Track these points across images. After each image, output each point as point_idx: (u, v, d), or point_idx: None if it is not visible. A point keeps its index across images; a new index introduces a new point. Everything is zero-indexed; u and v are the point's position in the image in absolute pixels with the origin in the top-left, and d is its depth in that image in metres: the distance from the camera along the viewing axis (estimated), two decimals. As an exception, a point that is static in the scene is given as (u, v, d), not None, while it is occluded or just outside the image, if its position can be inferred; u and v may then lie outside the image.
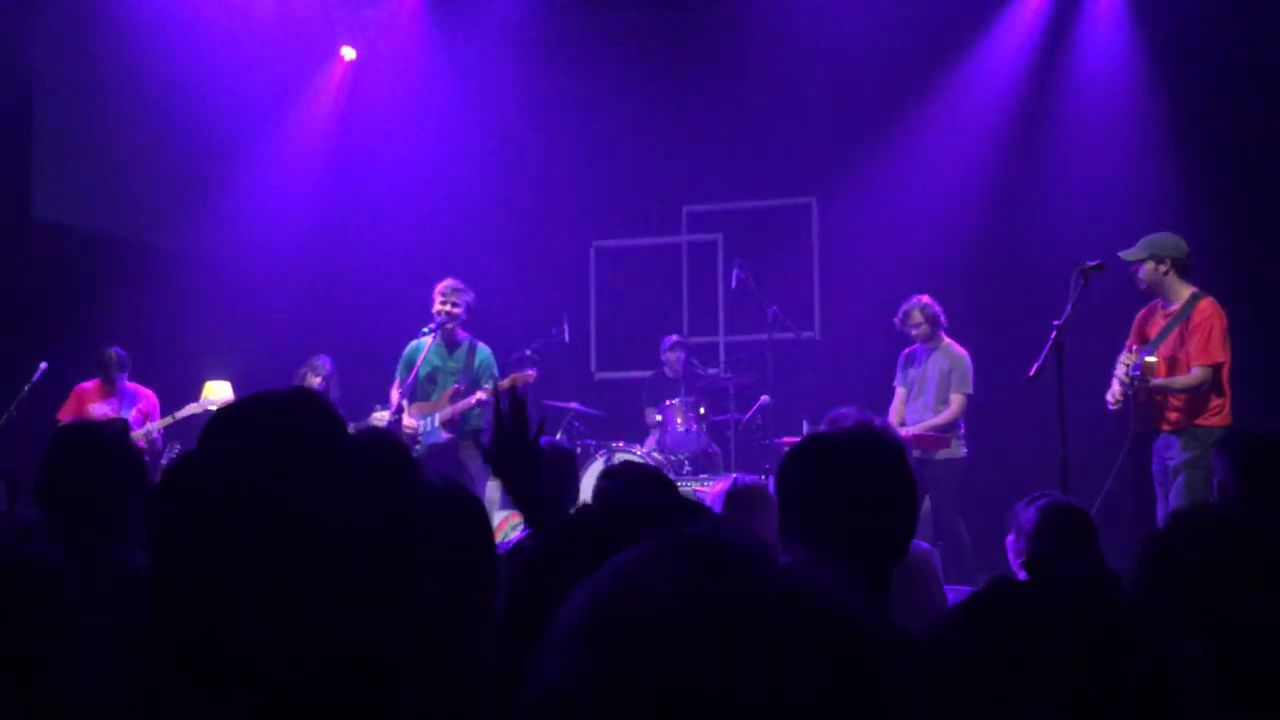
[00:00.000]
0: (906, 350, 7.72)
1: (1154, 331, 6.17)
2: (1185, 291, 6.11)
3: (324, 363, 8.21)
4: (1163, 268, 6.10)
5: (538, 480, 2.33)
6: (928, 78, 9.36)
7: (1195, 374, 5.94)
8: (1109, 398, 6.19)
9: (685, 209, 10.38)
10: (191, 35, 9.34)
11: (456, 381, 7.43)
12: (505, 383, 7.41)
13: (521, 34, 10.25)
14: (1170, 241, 6.15)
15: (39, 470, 2.82)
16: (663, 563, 0.76)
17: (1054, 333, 5.70)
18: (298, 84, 10.30)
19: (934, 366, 7.51)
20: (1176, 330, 6.04)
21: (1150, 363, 5.98)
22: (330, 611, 0.97)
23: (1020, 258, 8.81)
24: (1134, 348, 6.21)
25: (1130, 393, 6.04)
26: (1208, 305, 6.03)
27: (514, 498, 2.32)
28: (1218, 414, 5.98)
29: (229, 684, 0.96)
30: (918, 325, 7.51)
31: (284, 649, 0.96)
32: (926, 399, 7.49)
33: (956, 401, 7.40)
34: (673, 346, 8.95)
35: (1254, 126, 8.29)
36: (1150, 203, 8.16)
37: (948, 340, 7.57)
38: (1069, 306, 5.74)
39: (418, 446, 7.38)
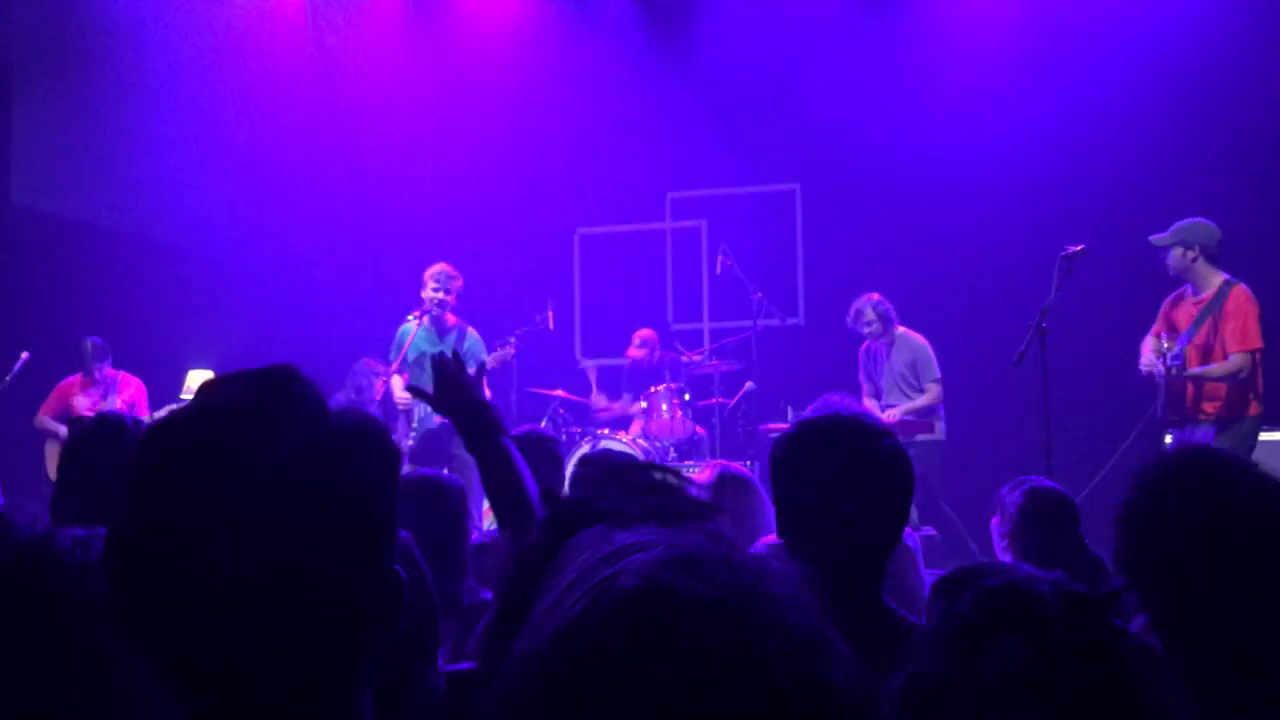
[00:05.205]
0: (865, 346, 7.73)
1: (1183, 319, 6.07)
2: (1216, 279, 6.01)
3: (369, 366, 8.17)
4: (1191, 254, 5.99)
5: (485, 428, 2.35)
6: (910, 63, 9.35)
7: (1233, 360, 5.83)
8: (1143, 366, 6.10)
9: (669, 195, 10.37)
10: (171, 23, 9.27)
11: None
12: (490, 359, 7.38)
13: (505, 21, 10.21)
14: (1201, 228, 6.03)
15: (61, 460, 2.89)
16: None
17: (1038, 319, 5.71)
18: (278, 72, 10.23)
19: (897, 359, 7.54)
20: (1210, 318, 5.92)
21: (1188, 351, 5.87)
22: (296, 588, 0.93)
23: (1004, 243, 8.82)
24: (1162, 334, 6.11)
25: (1164, 381, 5.92)
26: (1241, 292, 5.93)
27: (487, 489, 2.35)
28: (1254, 404, 5.90)
29: (190, 665, 0.93)
30: (870, 323, 7.55)
31: (250, 629, 0.92)
32: (896, 389, 7.51)
33: (931, 390, 7.45)
34: (641, 344, 8.89)
35: (1244, 115, 8.30)
36: (1139, 191, 8.17)
37: (902, 330, 7.60)
38: (1052, 293, 5.75)
39: (413, 431, 7.33)
